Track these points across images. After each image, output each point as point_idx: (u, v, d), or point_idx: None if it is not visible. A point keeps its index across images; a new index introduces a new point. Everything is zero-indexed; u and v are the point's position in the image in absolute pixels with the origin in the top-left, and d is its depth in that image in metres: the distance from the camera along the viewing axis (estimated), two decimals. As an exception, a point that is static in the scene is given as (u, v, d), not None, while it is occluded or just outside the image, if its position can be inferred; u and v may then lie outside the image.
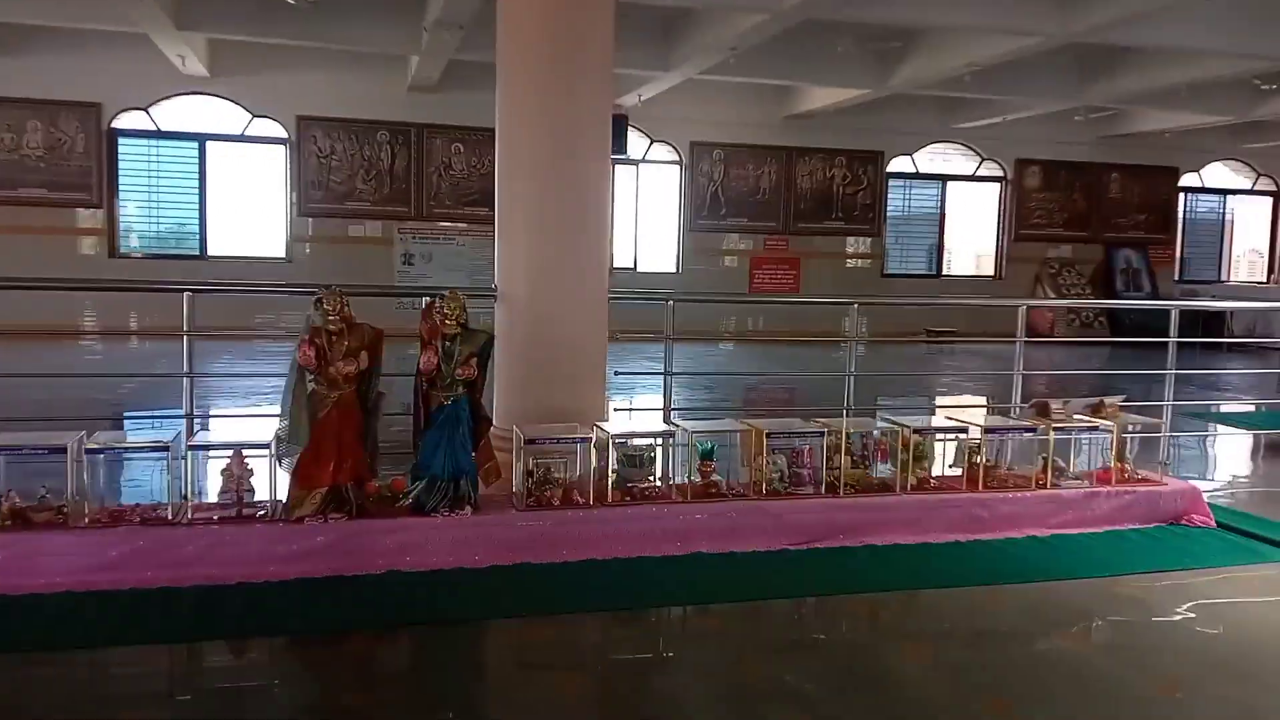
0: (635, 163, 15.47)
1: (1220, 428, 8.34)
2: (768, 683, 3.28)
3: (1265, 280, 18.88)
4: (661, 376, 5.86)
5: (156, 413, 7.31)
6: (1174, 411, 6.85)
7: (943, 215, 17.13)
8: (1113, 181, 17.71)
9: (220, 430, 7.05)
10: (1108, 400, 5.32)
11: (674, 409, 5.91)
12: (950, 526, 4.72)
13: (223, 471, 4.16)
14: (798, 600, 3.99)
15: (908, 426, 4.89)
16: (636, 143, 15.22)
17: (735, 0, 9.42)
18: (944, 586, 4.13)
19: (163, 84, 13.12)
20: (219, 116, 13.69)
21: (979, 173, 17.22)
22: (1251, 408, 9.43)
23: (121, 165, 13.47)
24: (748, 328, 15.01)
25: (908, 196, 16.97)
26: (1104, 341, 13.94)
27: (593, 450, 4.50)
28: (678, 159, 15.72)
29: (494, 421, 4.80)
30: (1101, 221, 17.68)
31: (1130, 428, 5.29)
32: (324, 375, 4.11)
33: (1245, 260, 19.25)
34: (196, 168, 13.78)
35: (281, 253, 14.06)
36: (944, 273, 17.15)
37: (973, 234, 17.48)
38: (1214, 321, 13.32)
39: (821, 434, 4.75)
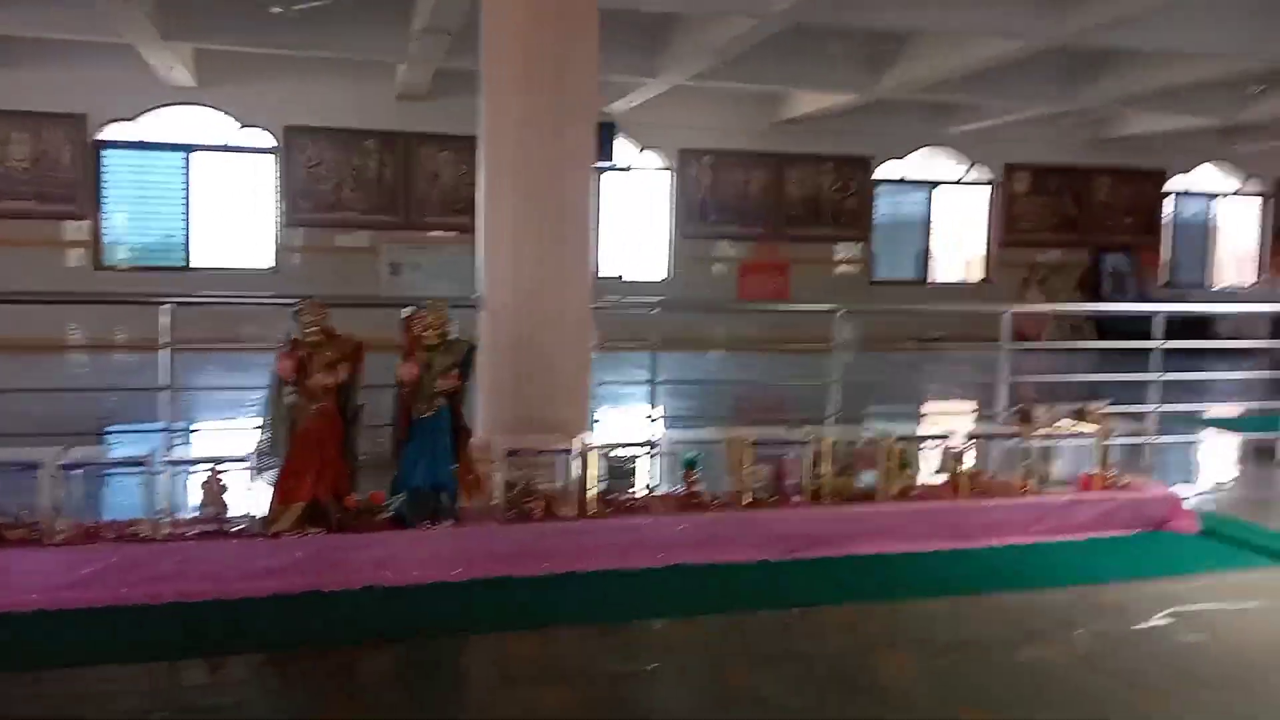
0: (624, 170, 15.47)
1: (1206, 432, 8.35)
2: (750, 694, 3.26)
3: (1253, 283, 18.93)
4: (647, 385, 5.85)
5: (138, 427, 7.26)
6: (1160, 416, 6.87)
7: (930, 220, 17.16)
8: (1101, 185, 17.75)
9: (201, 444, 7.01)
10: (1091, 406, 5.31)
11: (659, 418, 5.89)
12: (934, 535, 4.71)
13: (201, 486, 4.13)
14: (781, 611, 3.97)
15: (891, 435, 4.88)
16: (626, 150, 15.22)
17: (722, 6, 9.42)
18: (927, 596, 4.12)
19: (149, 95, 13.07)
20: (206, 127, 13.66)
21: (967, 178, 17.26)
22: (1238, 411, 9.44)
23: (107, 177, 13.42)
24: (736, 335, 14.99)
25: (896, 202, 17.00)
26: (1091, 346, 13.95)
27: (575, 461, 4.48)
28: (667, 166, 15.73)
29: (477, 432, 4.78)
30: (1090, 225, 17.72)
31: (1114, 434, 5.28)
32: (303, 387, 4.09)
33: (1232, 263, 19.31)
34: (183, 179, 13.74)
35: (269, 263, 14.02)
36: (931, 279, 17.17)
37: (962, 239, 17.51)
38: (1201, 325, 13.35)
39: (805, 443, 4.74)
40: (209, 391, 8.77)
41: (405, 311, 4.48)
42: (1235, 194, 18.96)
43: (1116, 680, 3.37)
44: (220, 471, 4.12)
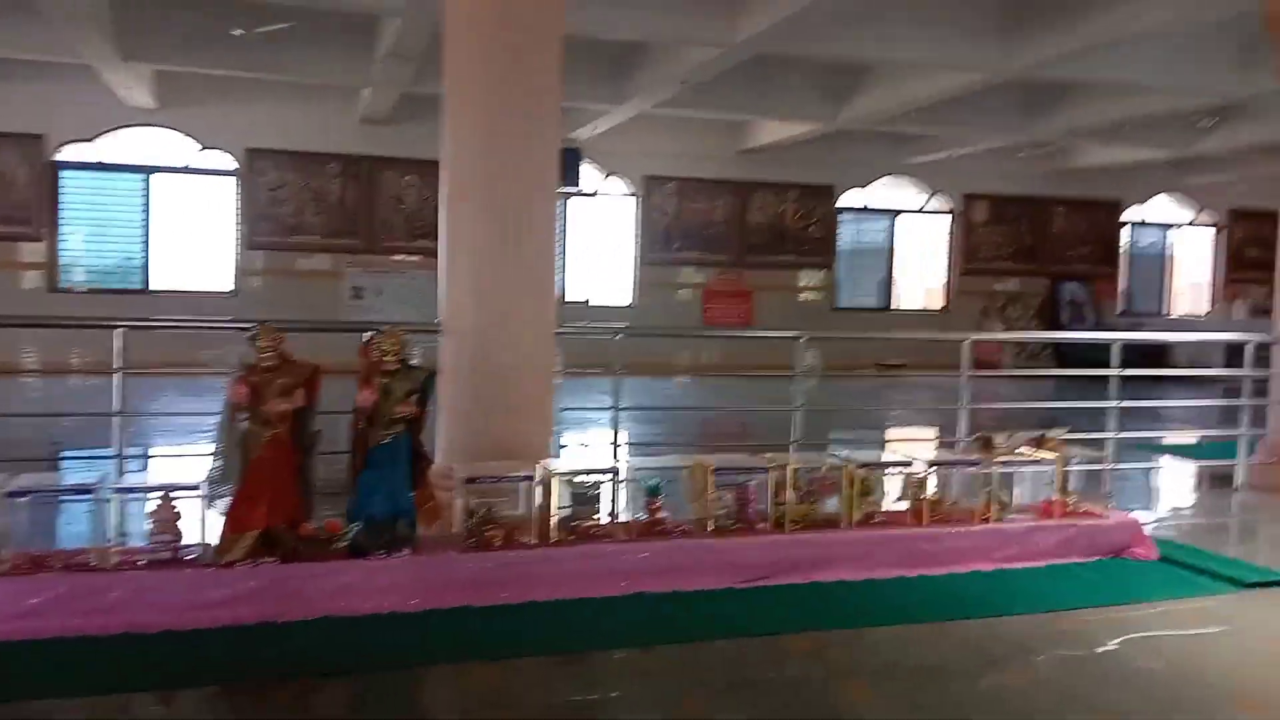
0: (590, 195, 15.50)
1: (1164, 459, 8.46)
2: (709, 726, 3.22)
3: (1206, 312, 19.30)
4: (610, 411, 5.82)
5: (88, 453, 7.11)
6: (1118, 444, 6.95)
7: (892, 249, 17.35)
8: (1058, 215, 18.06)
9: (153, 471, 6.88)
10: (1050, 434, 5.36)
11: (623, 444, 5.86)
12: (896, 562, 4.71)
13: (150, 514, 4.03)
14: (743, 639, 3.94)
15: (853, 461, 4.89)
16: (591, 176, 15.26)
17: (686, 35, 9.50)
18: (889, 623, 4.10)
19: (108, 116, 12.94)
20: (166, 149, 13.51)
21: (928, 207, 17.48)
22: (1194, 439, 9.58)
23: (65, 198, 13.24)
24: (700, 360, 15.02)
25: (859, 230, 17.17)
26: (1049, 374, 14.13)
27: (537, 488, 4.43)
28: (632, 192, 15.78)
29: (437, 459, 4.72)
30: (1047, 255, 18.01)
31: (1073, 460, 5.32)
32: (257, 414, 4.01)
33: (1187, 292, 19.68)
34: (142, 201, 13.57)
35: (229, 286, 13.86)
36: (893, 306, 17.34)
37: (922, 267, 17.72)
38: (1157, 353, 13.57)
39: (767, 470, 4.73)
40: (164, 417, 8.61)
41: (365, 337, 4.42)
42: (1190, 224, 19.36)
43: (1075, 706, 3.38)
44: (172, 499, 4.03)
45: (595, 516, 4.56)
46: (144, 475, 5.38)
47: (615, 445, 6.02)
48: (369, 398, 4.20)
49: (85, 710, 3.21)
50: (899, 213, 17.39)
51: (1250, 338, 7.34)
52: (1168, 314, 19.17)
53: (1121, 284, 18.82)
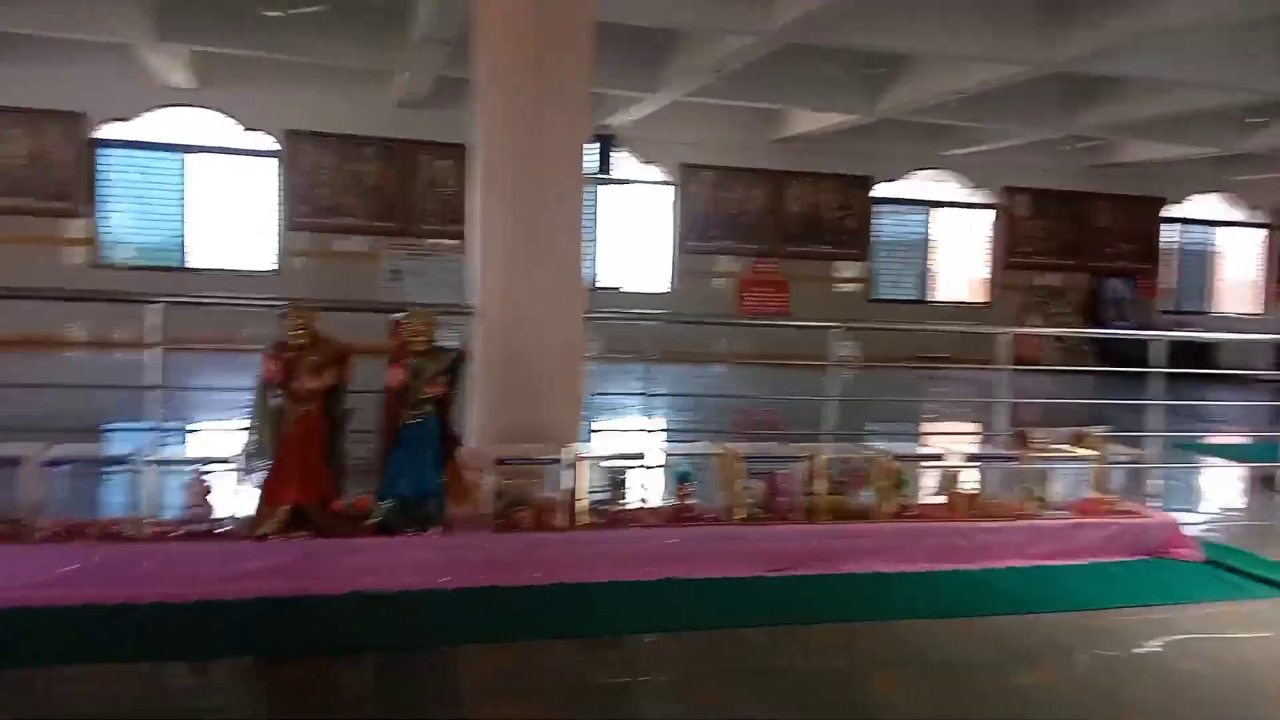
0: (623, 182, 15.46)
1: (1210, 460, 8.28)
2: (735, 712, 3.18)
3: (1257, 312, 18.88)
4: (643, 397, 5.79)
5: (127, 425, 7.18)
6: (1162, 443, 6.80)
7: (929, 241, 17.14)
8: (1100, 210, 17.76)
9: (189, 444, 6.94)
10: (1089, 430, 5.25)
11: (655, 430, 5.83)
12: (929, 556, 4.64)
13: (186, 486, 4.06)
14: (770, 628, 3.90)
15: (887, 453, 4.82)
16: (628, 163, 15.21)
17: (721, 23, 9.39)
18: (919, 617, 4.04)
19: (149, 96, 13.06)
20: (204, 128, 13.63)
21: (968, 200, 17.25)
22: (1242, 440, 9.37)
23: (106, 176, 13.39)
24: (734, 349, 14.95)
25: (896, 222, 16.99)
26: (1092, 371, 13.90)
27: (566, 471, 4.41)
28: (669, 180, 15.71)
29: (468, 440, 4.72)
30: (1089, 250, 17.72)
31: (1112, 458, 5.21)
32: (288, 391, 4.02)
33: (1233, 290, 19.27)
34: (179, 180, 13.70)
35: (272, 265, 13.99)
36: (931, 299, 17.14)
37: (961, 261, 17.50)
38: (1202, 352, 13.31)
39: (799, 459, 4.68)
40: (202, 392, 8.69)
41: (394, 317, 4.42)
42: (1237, 224, 18.96)
43: (1112, 708, 3.30)
44: (206, 472, 4.06)
45: (624, 501, 4.54)
46: (181, 449, 5.42)
47: (646, 431, 6.00)
48: (398, 377, 4.20)
49: (116, 677, 3.24)
50: (937, 204, 17.18)
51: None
52: (1213, 312, 18.79)
53: (1165, 281, 18.48)
